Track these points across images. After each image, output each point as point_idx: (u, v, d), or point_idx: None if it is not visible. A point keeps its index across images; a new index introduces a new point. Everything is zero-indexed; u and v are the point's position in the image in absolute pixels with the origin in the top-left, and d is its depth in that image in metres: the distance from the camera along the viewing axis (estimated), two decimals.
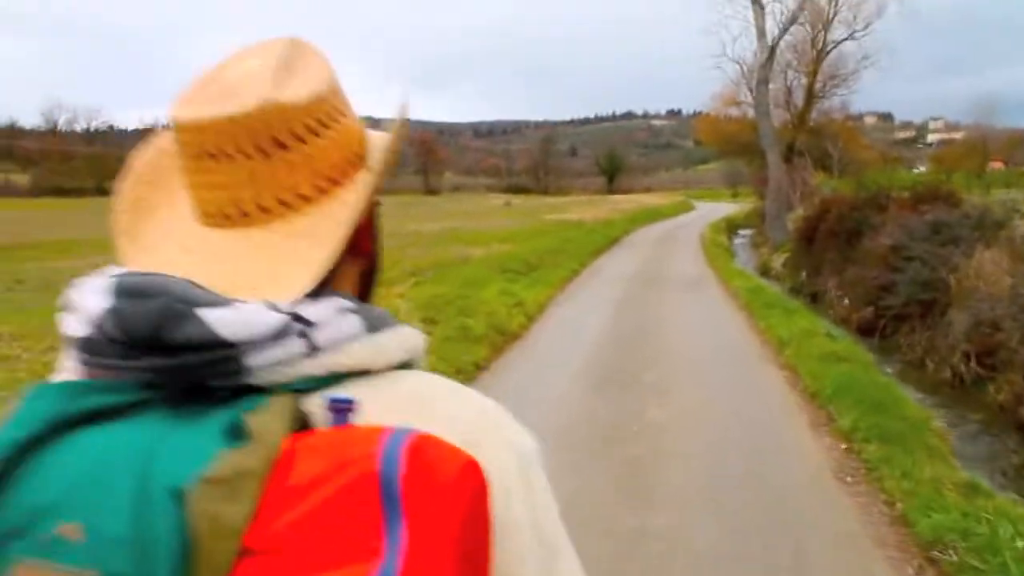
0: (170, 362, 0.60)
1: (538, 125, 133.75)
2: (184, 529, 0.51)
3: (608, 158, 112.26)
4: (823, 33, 29.46)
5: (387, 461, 0.54)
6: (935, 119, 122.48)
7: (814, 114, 32.65)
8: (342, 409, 0.61)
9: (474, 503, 0.57)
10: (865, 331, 12.30)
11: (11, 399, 0.61)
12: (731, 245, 27.99)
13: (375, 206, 0.82)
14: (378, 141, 0.80)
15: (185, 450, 0.55)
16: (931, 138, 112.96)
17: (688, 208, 55.68)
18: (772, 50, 23.04)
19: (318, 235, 0.70)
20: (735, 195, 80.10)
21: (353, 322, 0.67)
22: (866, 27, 27.70)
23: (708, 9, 46.73)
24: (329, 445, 0.56)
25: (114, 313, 0.61)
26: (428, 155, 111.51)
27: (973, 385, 8.72)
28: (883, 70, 33.90)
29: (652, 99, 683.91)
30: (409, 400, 0.66)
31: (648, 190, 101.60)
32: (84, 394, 0.60)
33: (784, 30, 24.02)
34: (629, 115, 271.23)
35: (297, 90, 0.70)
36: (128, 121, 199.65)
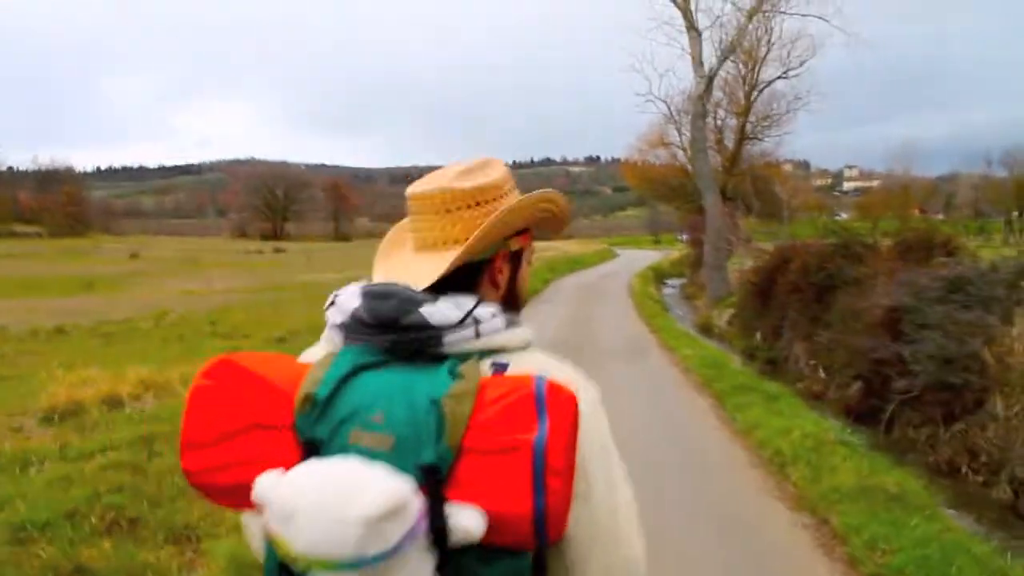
0: (403, 337, 1.13)
1: None
2: (439, 417, 1.00)
3: None
4: (755, 71, 27.49)
5: (538, 388, 1.01)
6: (850, 167, 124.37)
7: (745, 157, 30.60)
8: (501, 368, 1.14)
9: (576, 413, 1.02)
10: (857, 416, 9.59)
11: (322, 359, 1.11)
12: (661, 297, 25.34)
13: (504, 258, 1.35)
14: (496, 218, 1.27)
15: (432, 381, 1.05)
16: (847, 186, 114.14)
17: (611, 256, 53.12)
18: (710, 80, 20.66)
19: (439, 263, 1.23)
20: (657, 242, 78.98)
21: (499, 321, 1.18)
22: (801, 65, 25.76)
23: (634, 43, 44.67)
24: (503, 381, 1.05)
25: (367, 307, 1.15)
26: (340, 201, 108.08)
27: None
28: (813, 112, 32.15)
29: (570, 146, 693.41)
30: (532, 365, 1.16)
31: (568, 237, 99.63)
32: (361, 354, 1.11)
33: (723, 58, 21.65)
34: (547, 161, 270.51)
35: (463, 183, 1.28)
36: (22, 161, 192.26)
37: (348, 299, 1.18)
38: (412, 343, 1.12)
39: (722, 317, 17.80)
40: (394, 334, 1.12)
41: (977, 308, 8.02)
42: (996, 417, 7.44)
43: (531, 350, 1.23)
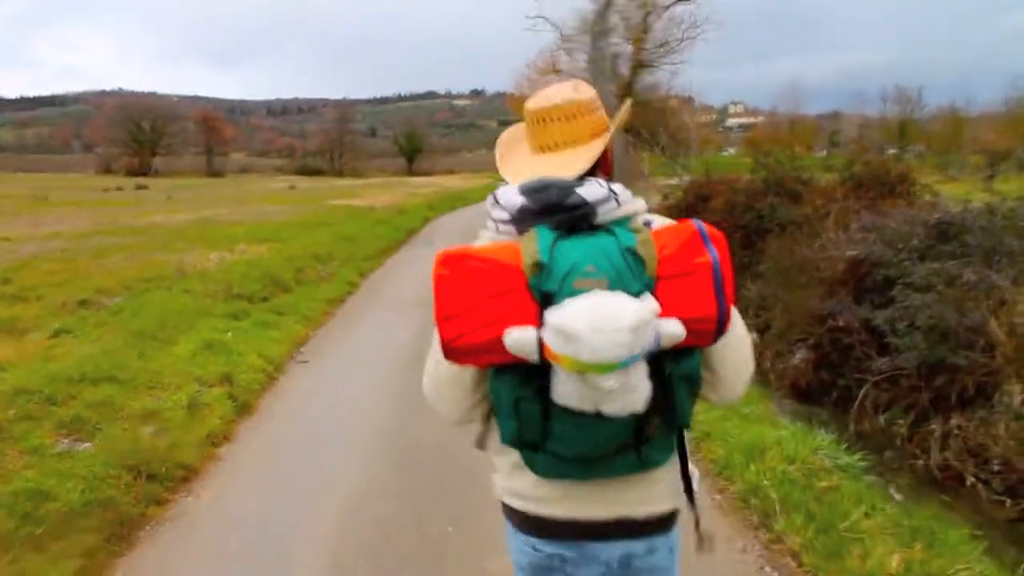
0: (569, 215, 1.50)
1: (335, 104, 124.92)
2: (637, 259, 1.43)
3: (407, 138, 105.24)
4: None
5: (700, 228, 1.47)
6: (736, 103, 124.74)
7: (639, 87, 28.55)
8: (648, 224, 1.58)
9: (727, 243, 1.48)
10: (805, 394, 7.71)
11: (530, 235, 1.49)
12: None
13: (609, 150, 1.76)
14: (614, 120, 1.77)
15: (614, 239, 1.46)
16: (730, 122, 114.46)
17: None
18: None
19: (586, 155, 1.68)
20: None
21: (628, 193, 1.58)
22: None
23: None
24: (668, 230, 1.50)
25: (532, 199, 1.52)
26: (212, 134, 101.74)
27: None
28: (710, 43, 30.33)
29: (454, 78, 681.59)
30: (661, 222, 1.63)
31: (451, 172, 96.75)
32: (551, 230, 1.50)
33: None
34: (431, 94, 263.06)
35: (580, 95, 1.70)
36: None
37: (510, 198, 1.57)
38: (575, 218, 1.52)
39: None
40: (560, 213, 1.52)
41: (979, 265, 6.12)
42: (1010, 408, 5.60)
43: (651, 213, 1.68)
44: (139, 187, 50.85)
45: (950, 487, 5.66)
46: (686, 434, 1.70)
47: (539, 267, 1.44)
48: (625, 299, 1.39)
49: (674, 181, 15.54)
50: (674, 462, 1.69)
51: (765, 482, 4.21)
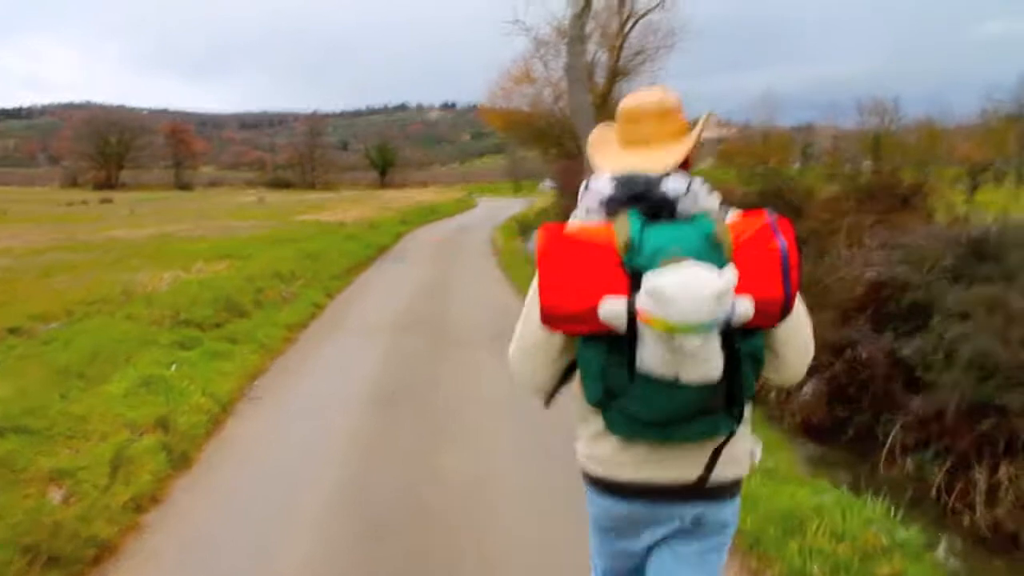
0: (653, 205, 1.74)
1: (307, 117, 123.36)
2: (717, 243, 1.65)
3: (379, 151, 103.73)
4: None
5: (771, 219, 1.69)
6: (709, 114, 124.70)
7: (615, 97, 27.86)
8: (726, 215, 1.76)
9: (794, 234, 1.72)
10: (815, 430, 6.96)
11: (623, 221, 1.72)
12: (531, 253, 22.44)
13: (696, 149, 1.92)
14: (697, 124, 1.97)
15: (695, 227, 1.69)
16: (704, 134, 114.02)
17: (470, 204, 49.59)
18: None
19: (675, 152, 1.87)
20: (518, 190, 76.38)
21: (706, 190, 1.77)
22: None
23: None
24: (743, 221, 1.71)
25: (621, 189, 1.77)
26: (180, 147, 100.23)
27: None
28: (687, 52, 29.85)
29: (426, 91, 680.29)
30: (731, 217, 1.76)
31: (424, 185, 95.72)
32: (639, 215, 1.72)
33: None
34: (403, 107, 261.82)
35: (670, 99, 1.92)
36: None
37: (602, 187, 1.82)
38: (658, 208, 1.76)
39: None
40: (644, 203, 1.76)
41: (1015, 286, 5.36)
42: None
43: (719, 206, 1.83)
44: (104, 201, 49.59)
45: (1003, 550, 4.89)
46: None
47: (631, 246, 1.69)
48: (711, 270, 1.62)
49: None
50: (741, 432, 1.91)
51: (814, 568, 3.38)
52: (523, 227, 30.76)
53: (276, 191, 72.01)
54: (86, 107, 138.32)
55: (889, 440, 5.75)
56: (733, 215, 1.78)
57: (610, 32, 26.04)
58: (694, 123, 1.97)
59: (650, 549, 2.01)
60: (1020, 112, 36.07)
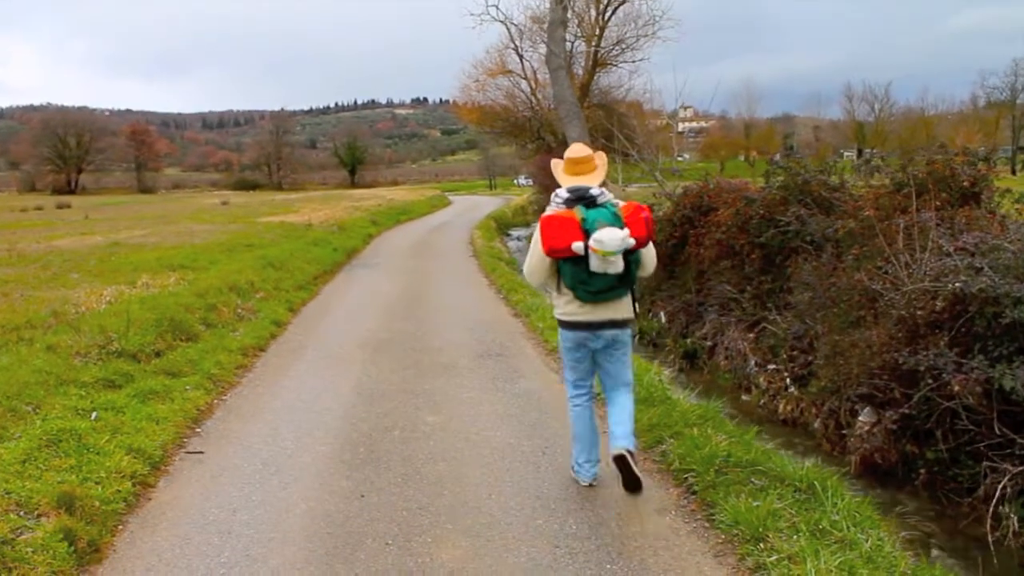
0: (590, 201, 4.45)
1: (273, 115, 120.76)
2: (619, 216, 4.37)
3: (348, 149, 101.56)
4: None
5: (642, 205, 4.56)
6: (686, 107, 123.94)
7: (595, 90, 26.67)
8: (616, 205, 4.49)
9: (651, 212, 4.65)
10: (876, 468, 5.80)
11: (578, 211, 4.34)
12: (512, 255, 21.03)
13: (607, 174, 4.79)
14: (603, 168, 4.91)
15: (607, 211, 4.40)
16: (681, 127, 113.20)
17: (444, 203, 47.91)
18: None
19: (596, 177, 4.64)
20: (493, 187, 75.16)
21: (608, 192, 4.55)
22: None
23: None
24: (628, 205, 4.50)
25: (574, 194, 4.48)
26: (143, 148, 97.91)
27: None
28: (666, 40, 28.70)
29: (396, 87, 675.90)
30: (621, 203, 4.55)
31: (395, 183, 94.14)
32: (584, 206, 4.45)
33: None
34: (372, 103, 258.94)
35: (592, 152, 4.78)
36: None
37: (563, 193, 4.45)
38: (590, 202, 4.37)
39: None
40: (584, 200, 4.39)
41: None
42: None
43: (615, 199, 4.48)
44: (61, 206, 47.82)
45: None
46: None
47: (584, 219, 4.26)
48: (619, 230, 4.20)
49: (653, 189, 13.58)
50: (628, 297, 4.53)
51: None
52: (501, 225, 29.44)
53: (242, 192, 70.23)
54: (46, 109, 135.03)
55: (996, 493, 4.55)
56: (621, 203, 4.44)
57: (588, 21, 24.80)
58: (603, 160, 4.71)
59: (594, 357, 4.62)
60: (1013, 98, 35.32)
